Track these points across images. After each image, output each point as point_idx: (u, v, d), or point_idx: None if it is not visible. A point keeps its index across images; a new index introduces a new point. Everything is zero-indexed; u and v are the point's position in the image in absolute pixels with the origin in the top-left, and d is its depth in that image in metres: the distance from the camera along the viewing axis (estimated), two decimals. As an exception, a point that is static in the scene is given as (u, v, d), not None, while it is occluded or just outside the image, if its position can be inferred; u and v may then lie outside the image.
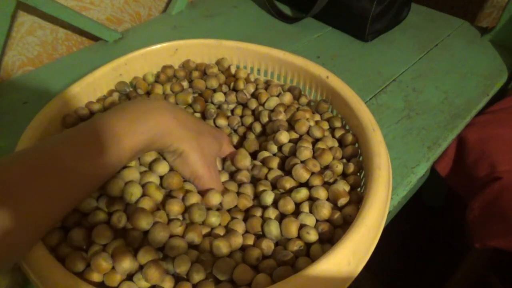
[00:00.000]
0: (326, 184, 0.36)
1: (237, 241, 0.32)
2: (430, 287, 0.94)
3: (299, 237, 0.32)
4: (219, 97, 0.46)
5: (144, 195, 0.33)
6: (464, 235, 0.67)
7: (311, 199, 0.35)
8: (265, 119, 0.43)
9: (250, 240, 0.33)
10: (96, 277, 0.29)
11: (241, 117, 0.46)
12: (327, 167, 0.37)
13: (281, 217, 0.34)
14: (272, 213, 0.34)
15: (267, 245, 0.32)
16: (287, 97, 0.44)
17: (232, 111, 0.47)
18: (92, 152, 0.28)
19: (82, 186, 0.28)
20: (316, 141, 0.40)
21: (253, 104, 0.45)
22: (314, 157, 0.38)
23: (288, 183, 0.36)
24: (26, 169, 0.26)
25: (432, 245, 1.02)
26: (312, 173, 0.36)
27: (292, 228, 0.32)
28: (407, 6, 0.74)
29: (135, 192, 0.33)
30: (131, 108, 0.31)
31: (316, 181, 0.35)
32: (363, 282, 0.96)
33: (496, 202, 0.54)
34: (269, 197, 0.35)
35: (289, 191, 0.35)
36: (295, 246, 0.31)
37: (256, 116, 0.45)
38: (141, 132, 0.30)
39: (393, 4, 0.69)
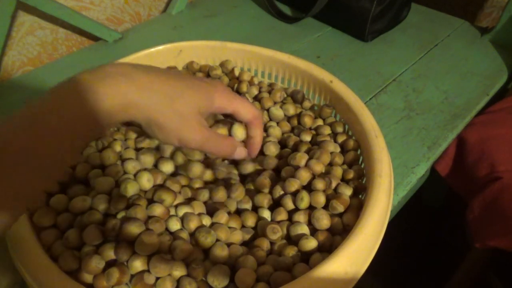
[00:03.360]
0: (327, 190, 0.36)
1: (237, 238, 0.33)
2: (430, 287, 0.94)
3: (297, 243, 0.32)
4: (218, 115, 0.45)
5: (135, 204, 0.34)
6: (464, 235, 0.67)
7: (311, 206, 0.34)
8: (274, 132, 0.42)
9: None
10: (88, 278, 0.30)
11: None
12: (327, 173, 0.37)
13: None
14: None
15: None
16: (291, 109, 0.44)
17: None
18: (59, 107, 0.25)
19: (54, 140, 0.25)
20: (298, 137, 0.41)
21: (257, 107, 0.45)
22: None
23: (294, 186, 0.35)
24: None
25: (432, 245, 1.02)
26: (313, 177, 0.36)
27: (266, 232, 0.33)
28: (407, 6, 0.74)
29: (129, 189, 0.33)
30: (85, 77, 0.27)
31: (319, 185, 0.35)
32: (363, 282, 0.96)
33: (496, 202, 0.54)
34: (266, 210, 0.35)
35: (294, 194, 0.35)
36: (292, 251, 0.31)
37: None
38: (96, 107, 0.25)
39: (393, 4, 0.69)
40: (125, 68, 0.27)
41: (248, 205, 0.36)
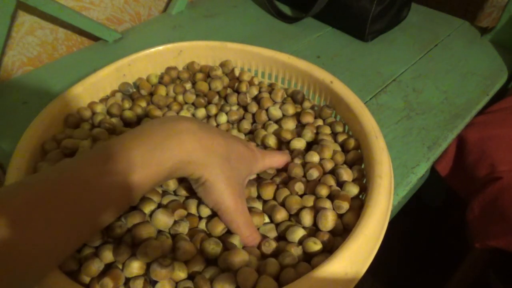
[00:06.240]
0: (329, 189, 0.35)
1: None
2: (430, 287, 0.94)
3: (301, 244, 0.32)
4: (221, 120, 0.45)
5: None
6: (464, 235, 0.67)
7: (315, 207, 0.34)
8: (271, 130, 0.43)
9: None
10: (87, 279, 0.30)
11: (240, 120, 0.45)
12: (330, 172, 0.37)
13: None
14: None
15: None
16: (290, 109, 0.44)
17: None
18: (106, 180, 0.25)
19: (99, 210, 0.26)
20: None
21: (254, 108, 0.45)
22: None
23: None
24: (36, 196, 0.24)
25: (432, 245, 1.02)
26: (318, 181, 0.36)
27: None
28: (407, 6, 0.74)
29: None
30: (152, 132, 0.28)
31: (323, 191, 0.35)
32: (363, 282, 0.96)
33: (496, 202, 0.55)
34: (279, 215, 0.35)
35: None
36: (294, 252, 0.31)
37: (257, 120, 0.45)
38: (160, 163, 0.27)
39: (393, 4, 0.69)
40: (191, 125, 0.29)
41: (259, 206, 0.36)
